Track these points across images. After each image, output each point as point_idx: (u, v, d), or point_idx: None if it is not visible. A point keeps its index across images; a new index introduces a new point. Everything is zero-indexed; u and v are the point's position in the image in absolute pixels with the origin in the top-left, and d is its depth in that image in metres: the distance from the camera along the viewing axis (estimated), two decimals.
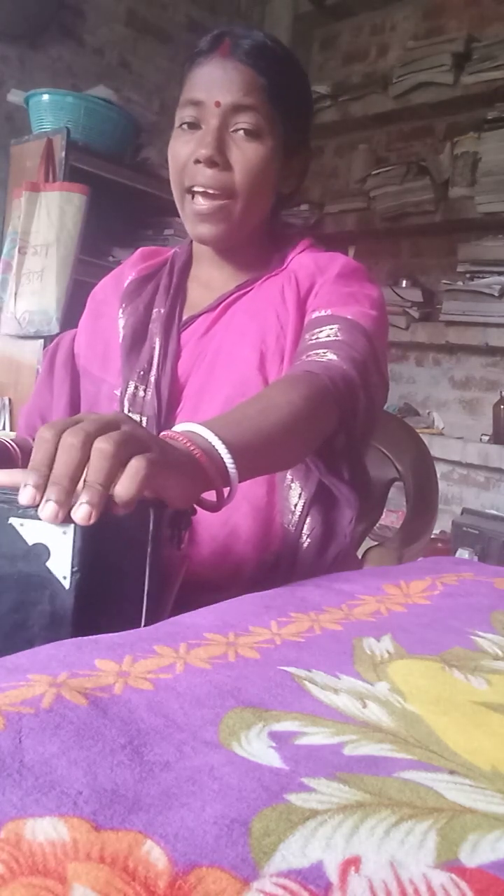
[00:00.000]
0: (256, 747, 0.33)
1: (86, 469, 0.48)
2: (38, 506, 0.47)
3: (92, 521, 0.46)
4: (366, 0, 3.02)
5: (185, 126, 0.83)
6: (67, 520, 0.47)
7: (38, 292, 2.09)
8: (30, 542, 0.48)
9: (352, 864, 0.25)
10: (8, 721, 0.32)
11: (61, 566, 0.48)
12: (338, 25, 3.21)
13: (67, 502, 0.47)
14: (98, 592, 0.50)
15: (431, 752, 0.34)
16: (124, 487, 0.48)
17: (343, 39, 3.22)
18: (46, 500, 0.47)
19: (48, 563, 0.48)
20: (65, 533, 0.48)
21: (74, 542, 0.48)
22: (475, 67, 2.54)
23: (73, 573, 0.48)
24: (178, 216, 0.87)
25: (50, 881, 0.23)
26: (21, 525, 0.48)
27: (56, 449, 0.49)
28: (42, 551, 0.48)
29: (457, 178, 2.55)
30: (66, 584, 0.48)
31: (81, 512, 0.46)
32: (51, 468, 0.48)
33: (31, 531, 0.48)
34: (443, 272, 2.74)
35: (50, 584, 0.48)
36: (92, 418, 0.50)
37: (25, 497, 0.47)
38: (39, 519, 0.47)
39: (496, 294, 2.44)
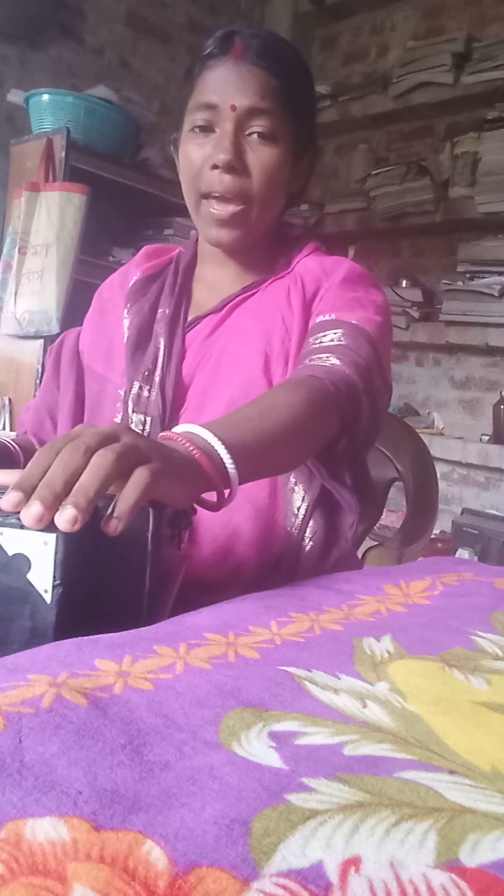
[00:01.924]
0: (256, 747, 0.33)
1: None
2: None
3: (76, 528, 0.43)
4: (366, 0, 3.02)
5: (197, 129, 0.82)
6: (51, 528, 0.44)
7: (38, 292, 2.09)
8: (10, 553, 0.46)
9: (352, 864, 0.25)
10: (8, 721, 0.32)
11: (42, 579, 0.45)
12: (338, 25, 3.20)
13: (54, 507, 0.44)
14: (82, 607, 0.47)
15: (431, 752, 0.34)
16: (125, 498, 0.47)
17: (343, 39, 3.21)
18: (32, 502, 0.44)
19: (29, 576, 0.45)
20: (46, 543, 0.45)
21: (56, 553, 0.45)
22: (475, 67, 2.54)
23: (54, 586, 0.45)
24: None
25: (50, 881, 0.23)
26: (0, 534, 0.46)
27: (53, 459, 0.47)
28: (23, 562, 0.46)
29: (457, 178, 2.55)
30: (48, 598, 0.45)
31: (66, 514, 0.43)
32: (43, 477, 0.46)
33: (12, 541, 0.46)
34: (443, 272, 2.74)
35: (31, 597, 0.46)
36: (91, 431, 0.49)
37: (9, 501, 0.45)
38: (20, 528, 0.45)
39: (496, 294, 2.43)
